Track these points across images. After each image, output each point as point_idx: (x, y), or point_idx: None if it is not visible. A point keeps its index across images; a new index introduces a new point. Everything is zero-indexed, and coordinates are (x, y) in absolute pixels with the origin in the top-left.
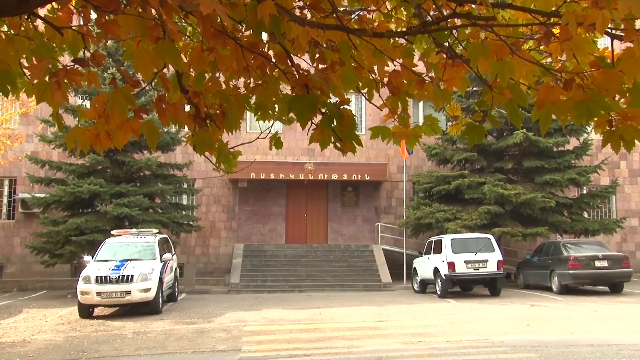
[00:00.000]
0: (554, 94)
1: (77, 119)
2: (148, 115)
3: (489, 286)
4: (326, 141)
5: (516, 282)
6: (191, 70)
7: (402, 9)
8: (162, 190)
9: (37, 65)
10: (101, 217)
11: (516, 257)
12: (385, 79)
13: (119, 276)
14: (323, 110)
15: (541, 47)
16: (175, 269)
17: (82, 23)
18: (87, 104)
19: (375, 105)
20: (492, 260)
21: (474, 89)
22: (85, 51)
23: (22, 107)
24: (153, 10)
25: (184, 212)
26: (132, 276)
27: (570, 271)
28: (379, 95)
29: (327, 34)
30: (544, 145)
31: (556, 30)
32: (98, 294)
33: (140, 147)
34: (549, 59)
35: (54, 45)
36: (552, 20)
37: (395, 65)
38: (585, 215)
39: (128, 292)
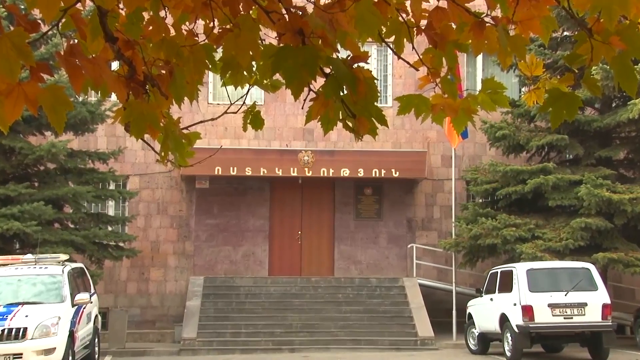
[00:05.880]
0: None
1: None
2: (52, 76)
3: (589, 345)
4: (332, 119)
5: (634, 338)
6: (121, 6)
7: None
8: (76, 193)
9: None
10: None
11: (632, 299)
12: (424, 22)
13: (2, 330)
14: (327, 71)
15: None
16: (96, 316)
17: None
18: None
19: (408, 63)
20: (593, 304)
21: (565, 34)
22: None
23: None
24: None
25: (109, 228)
26: (25, 329)
27: None
28: (413, 48)
29: None
30: None
31: None
32: None
33: (40, 126)
34: None
35: None
36: None
37: (438, 1)
38: None
39: (18, 356)
